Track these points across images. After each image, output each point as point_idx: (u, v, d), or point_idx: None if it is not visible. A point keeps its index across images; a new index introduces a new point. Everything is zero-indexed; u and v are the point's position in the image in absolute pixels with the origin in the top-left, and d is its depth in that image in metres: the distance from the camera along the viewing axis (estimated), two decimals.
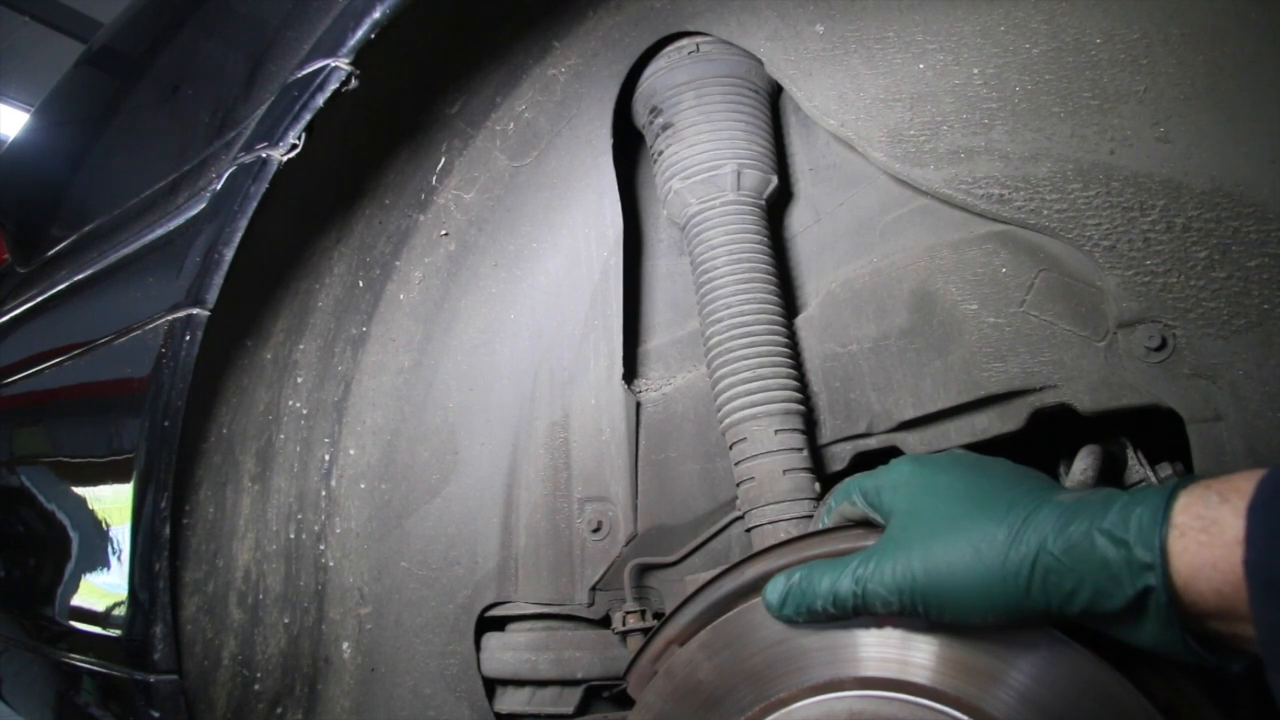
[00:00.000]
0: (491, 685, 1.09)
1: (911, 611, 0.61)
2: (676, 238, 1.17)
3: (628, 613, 1.01)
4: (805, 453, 0.95)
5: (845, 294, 1.00)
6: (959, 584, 0.58)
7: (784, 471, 0.93)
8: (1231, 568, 0.48)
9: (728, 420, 0.97)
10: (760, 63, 1.03)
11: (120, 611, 0.93)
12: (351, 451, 1.09)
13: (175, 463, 0.88)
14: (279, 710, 1.02)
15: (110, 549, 0.97)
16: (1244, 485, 0.50)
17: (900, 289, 0.96)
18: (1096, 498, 0.56)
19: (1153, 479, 0.90)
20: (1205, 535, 0.50)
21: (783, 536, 0.90)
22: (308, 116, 0.87)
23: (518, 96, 1.09)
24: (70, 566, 1.06)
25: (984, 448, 0.89)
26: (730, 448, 0.98)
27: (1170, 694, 0.61)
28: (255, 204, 0.88)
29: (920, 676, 0.65)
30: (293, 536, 1.04)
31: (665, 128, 1.07)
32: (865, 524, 0.72)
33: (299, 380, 1.04)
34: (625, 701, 0.91)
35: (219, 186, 0.92)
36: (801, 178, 1.11)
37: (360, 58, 0.87)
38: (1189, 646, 0.52)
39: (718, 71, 1.06)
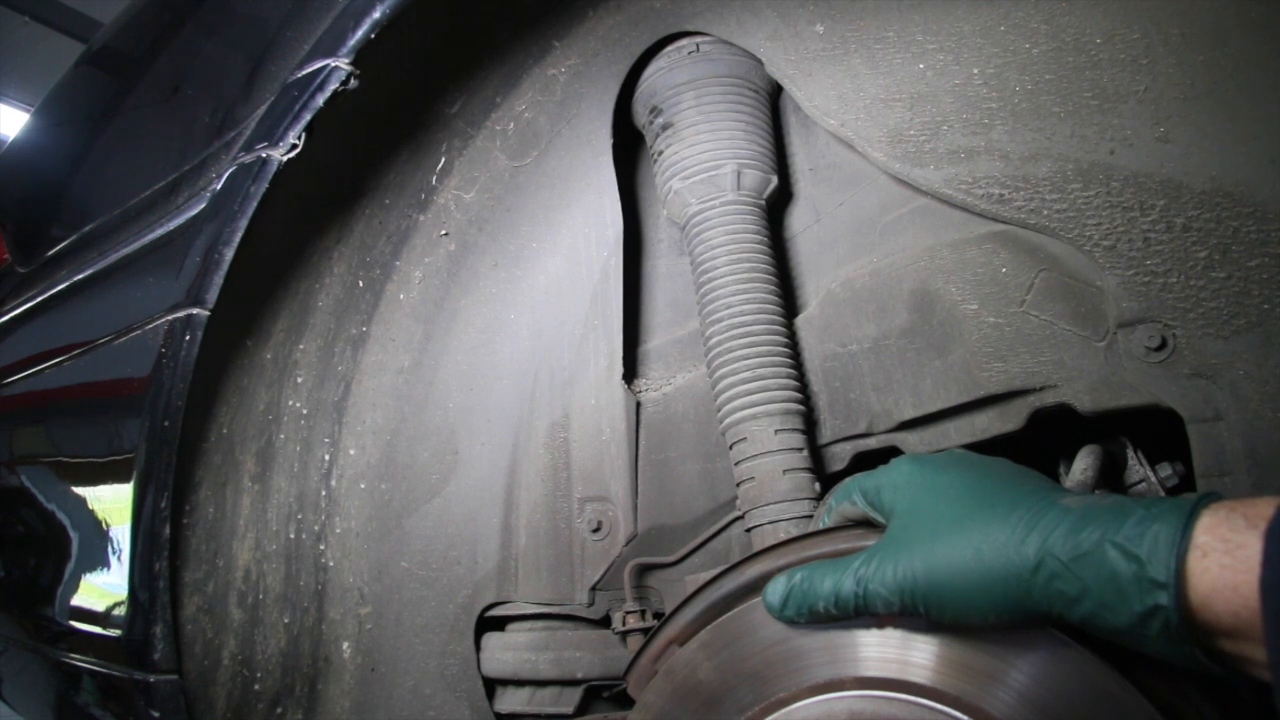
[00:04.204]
0: (491, 685, 1.09)
1: (912, 611, 0.61)
2: (676, 238, 1.17)
3: (628, 613, 1.01)
4: (805, 453, 0.95)
5: (845, 294, 1.00)
6: (960, 584, 0.58)
7: (784, 471, 0.93)
8: (1252, 592, 0.48)
9: (728, 420, 0.97)
10: (760, 63, 1.03)
11: (120, 611, 0.93)
12: (351, 451, 1.09)
13: (175, 463, 0.88)
14: (279, 710, 1.02)
15: (110, 549, 0.97)
16: (1268, 511, 0.49)
17: (900, 289, 0.96)
18: (1108, 506, 0.56)
19: (1153, 479, 0.90)
20: (1229, 558, 0.49)
21: (783, 536, 0.90)
22: (308, 116, 0.87)
23: (518, 96, 1.09)
24: (70, 566, 1.06)
25: (984, 448, 0.89)
26: (730, 448, 0.98)
27: (1171, 694, 0.61)
28: (255, 204, 0.88)
29: (920, 676, 0.65)
30: (293, 536, 1.04)
31: (665, 128, 1.07)
32: (865, 524, 0.72)
33: (299, 380, 1.04)
34: (625, 701, 0.91)
35: (219, 186, 0.92)
36: (801, 178, 1.11)
37: (360, 58, 0.87)
38: (1196, 659, 0.52)
39: (718, 71, 1.06)
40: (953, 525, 0.61)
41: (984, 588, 0.57)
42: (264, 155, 0.88)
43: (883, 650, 0.66)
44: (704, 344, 1.02)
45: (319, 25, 0.91)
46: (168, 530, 0.89)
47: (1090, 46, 0.86)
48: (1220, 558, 0.49)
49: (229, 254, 0.88)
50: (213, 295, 0.88)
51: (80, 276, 1.16)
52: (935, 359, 0.94)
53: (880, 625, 0.67)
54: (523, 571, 1.07)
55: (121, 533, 0.92)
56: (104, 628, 0.98)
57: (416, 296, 1.11)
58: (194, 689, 0.92)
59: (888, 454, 0.96)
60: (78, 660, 1.05)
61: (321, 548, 1.07)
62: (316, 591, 1.06)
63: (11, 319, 1.32)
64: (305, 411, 1.05)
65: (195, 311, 0.88)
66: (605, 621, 1.07)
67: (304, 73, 0.89)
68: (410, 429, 1.11)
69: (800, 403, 0.97)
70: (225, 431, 0.97)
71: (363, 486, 1.10)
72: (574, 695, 1.06)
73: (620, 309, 1.07)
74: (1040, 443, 0.94)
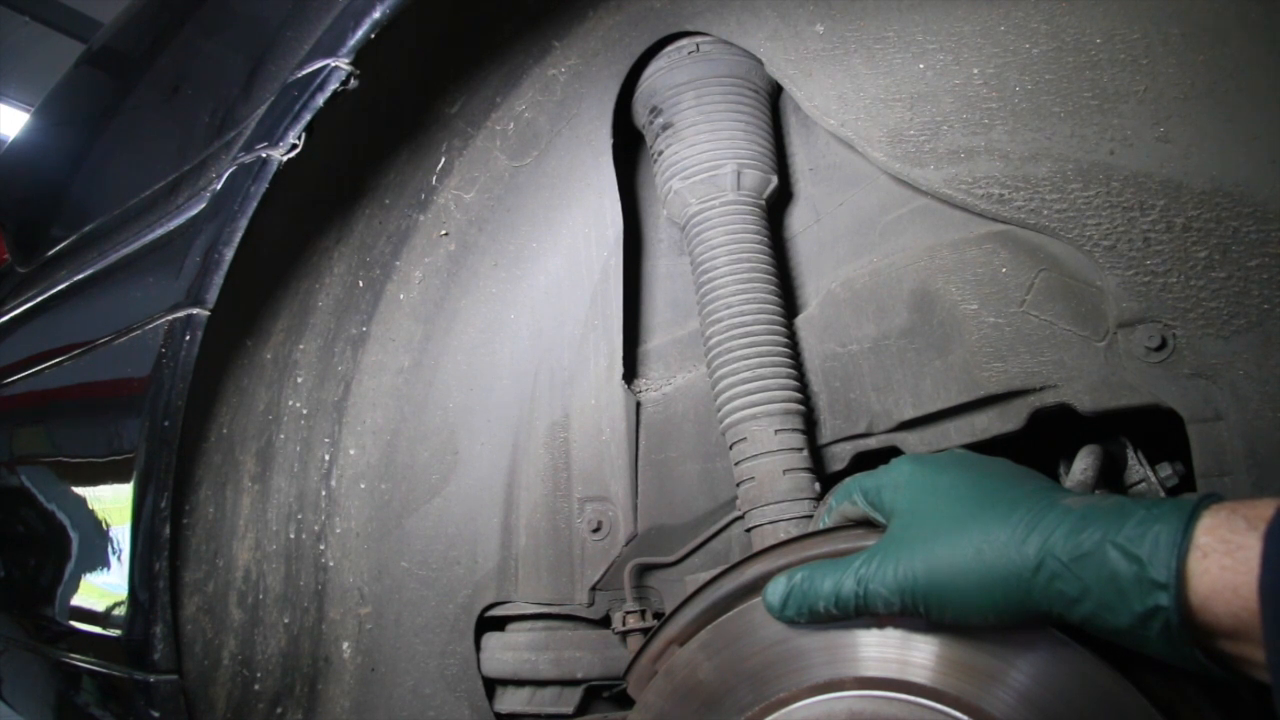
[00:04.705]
0: (491, 685, 1.09)
1: (913, 611, 0.61)
2: (676, 238, 1.17)
3: (628, 613, 1.01)
4: (805, 453, 0.95)
5: (845, 294, 1.00)
6: (961, 584, 0.58)
7: (784, 471, 0.93)
8: (1252, 594, 0.48)
9: (728, 420, 0.97)
10: (760, 63, 1.03)
11: (120, 611, 0.93)
12: (351, 451, 1.09)
13: (175, 463, 0.88)
14: (279, 710, 1.02)
15: (110, 549, 0.97)
16: (1268, 512, 0.49)
17: (900, 289, 0.96)
18: (1109, 506, 0.56)
19: (1152, 479, 0.90)
20: (1229, 559, 0.49)
21: (783, 536, 0.90)
22: (308, 116, 0.87)
23: (518, 96, 1.09)
24: (70, 566, 1.06)
25: (984, 448, 0.89)
26: (730, 448, 0.98)
27: (1171, 694, 0.61)
28: (255, 204, 0.88)
29: (920, 676, 0.65)
30: (293, 536, 1.04)
31: (665, 128, 1.07)
32: (866, 524, 0.72)
33: (299, 380, 1.04)
34: (625, 701, 0.91)
35: (219, 186, 0.92)
36: (801, 178, 1.11)
37: (360, 58, 0.87)
38: (1196, 660, 0.52)
39: (718, 71, 1.06)
40: (953, 525, 0.61)
41: (984, 588, 0.57)
42: (264, 155, 0.88)
43: (883, 650, 0.66)
44: (704, 344, 1.02)
45: (319, 25, 0.91)
46: (168, 530, 0.89)
47: (1090, 46, 0.86)
48: (1220, 559, 0.49)
49: (229, 254, 0.88)
50: (213, 295, 0.88)
51: (80, 276, 1.16)
52: (935, 359, 0.94)
53: (880, 625, 0.67)
54: (523, 571, 1.07)
55: (121, 533, 0.92)
56: (104, 628, 0.98)
57: (416, 296, 1.11)
58: (194, 689, 0.92)
59: (888, 454, 0.96)
60: (78, 660, 1.05)
61: (321, 548, 1.07)
62: (316, 591, 1.06)
63: (11, 319, 1.32)
64: (305, 411, 1.05)
65: (195, 311, 0.88)
66: (605, 621, 1.07)
67: (304, 73, 0.89)
68: (410, 429, 1.11)
69: (800, 403, 0.97)
70: (225, 431, 0.97)
71: (363, 486, 1.10)
72: (574, 695, 1.06)
73: (620, 309, 1.07)
74: (1040, 443, 0.94)
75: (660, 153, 1.08)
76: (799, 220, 1.11)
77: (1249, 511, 0.51)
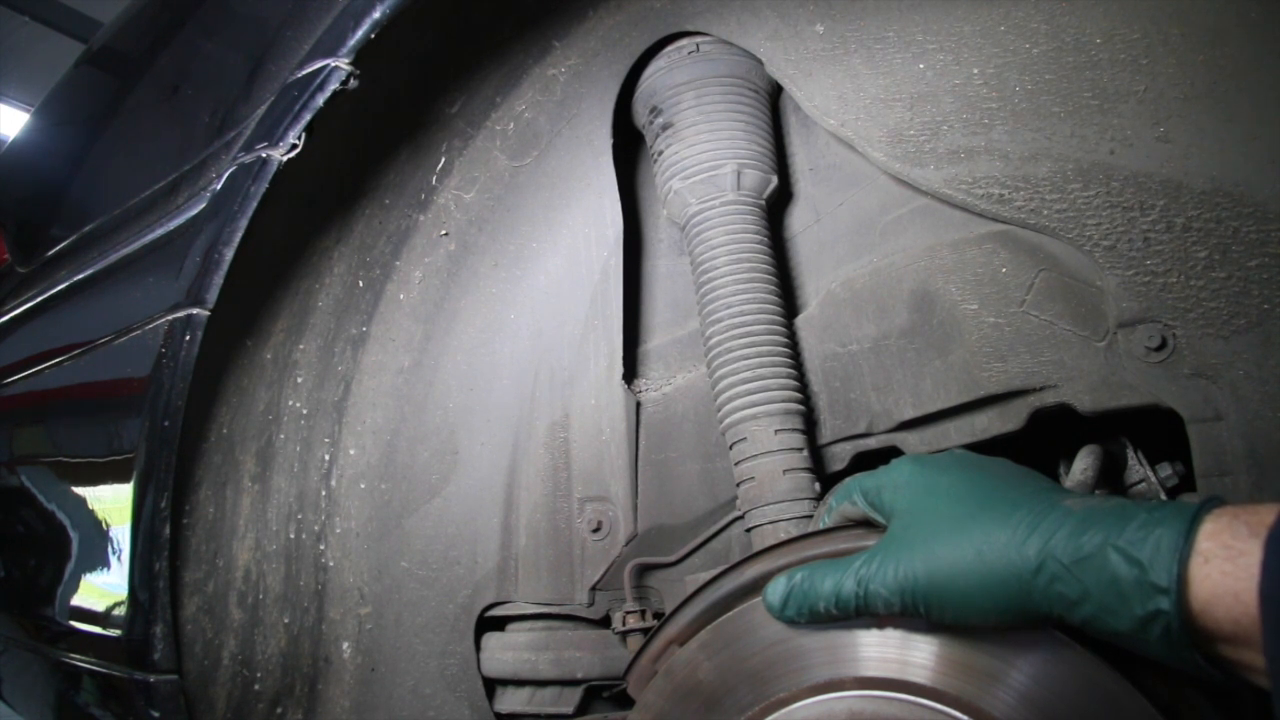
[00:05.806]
0: (491, 685, 1.09)
1: (913, 612, 0.61)
2: (676, 238, 1.17)
3: (628, 613, 1.01)
4: (805, 453, 0.95)
5: (845, 294, 1.00)
6: (961, 585, 0.58)
7: (784, 471, 0.93)
8: (1253, 599, 0.48)
9: (728, 420, 0.97)
10: (760, 63, 1.03)
11: (120, 611, 0.93)
12: (351, 451, 1.09)
13: (175, 463, 0.88)
14: (279, 710, 1.02)
15: (110, 549, 0.97)
16: (1269, 518, 0.49)
17: (900, 289, 0.96)
18: (1110, 508, 0.56)
19: (1152, 479, 0.90)
20: (1230, 565, 0.49)
21: (783, 536, 0.90)
22: (308, 116, 0.87)
23: (518, 96, 1.09)
24: (70, 566, 1.06)
25: (984, 448, 0.89)
26: (730, 448, 0.98)
27: (1172, 695, 0.61)
28: (255, 204, 0.88)
29: (920, 676, 0.65)
30: (293, 536, 1.04)
31: (665, 128, 1.07)
32: (866, 524, 0.72)
33: (299, 380, 1.04)
34: (625, 701, 0.91)
35: (219, 186, 0.92)
36: (801, 178, 1.11)
37: (360, 58, 0.87)
38: (1196, 664, 0.52)
39: (718, 71, 1.06)
40: (954, 526, 0.61)
41: (985, 588, 0.57)
42: (264, 155, 0.88)
43: (883, 650, 0.66)
44: (704, 344, 1.02)
45: (319, 25, 0.91)
46: (168, 530, 0.89)
47: (1090, 46, 0.86)
48: (1221, 564, 0.49)
49: (229, 254, 0.88)
50: (213, 295, 0.88)
51: (80, 276, 1.16)
52: (935, 359, 0.94)
53: (880, 625, 0.67)
54: (523, 571, 1.07)
55: (121, 533, 0.92)
56: (104, 628, 0.98)
57: (416, 296, 1.11)
58: (194, 689, 0.92)
59: (888, 454, 0.96)
60: (78, 660, 1.05)
61: (321, 548, 1.07)
62: (316, 591, 1.06)
63: (11, 319, 1.32)
64: (305, 411, 1.05)
65: (195, 311, 0.88)
66: (605, 621, 1.07)
67: (304, 73, 0.89)
68: (410, 429, 1.11)
69: (800, 403, 0.97)
70: (225, 431, 0.97)
71: (363, 486, 1.10)
72: (574, 695, 1.06)
73: (620, 309, 1.07)
74: (1040, 443, 0.94)
75: (660, 153, 1.08)
76: (799, 220, 1.11)
77: (1251, 517, 0.51)
